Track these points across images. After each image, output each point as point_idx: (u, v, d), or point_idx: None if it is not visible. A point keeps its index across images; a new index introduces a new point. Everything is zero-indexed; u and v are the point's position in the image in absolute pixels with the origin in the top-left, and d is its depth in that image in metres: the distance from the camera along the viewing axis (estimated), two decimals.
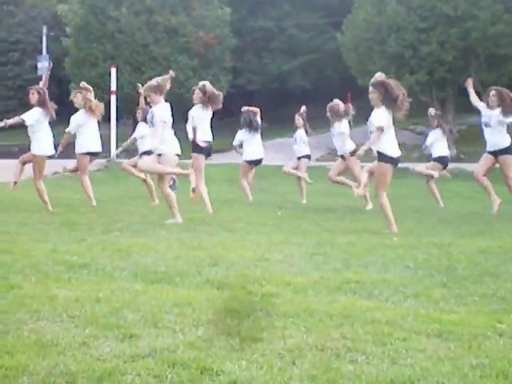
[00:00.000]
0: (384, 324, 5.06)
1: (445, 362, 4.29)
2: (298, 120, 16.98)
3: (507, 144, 13.46)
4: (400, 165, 11.10)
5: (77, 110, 14.38)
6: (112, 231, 10.06)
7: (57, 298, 5.66)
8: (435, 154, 16.30)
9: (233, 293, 6.03)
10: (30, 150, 13.14)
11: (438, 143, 16.27)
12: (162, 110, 11.22)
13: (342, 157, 15.26)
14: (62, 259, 7.47)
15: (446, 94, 37.88)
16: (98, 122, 14.68)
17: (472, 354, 4.43)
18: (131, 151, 20.45)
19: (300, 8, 51.43)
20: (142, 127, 15.40)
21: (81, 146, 14.33)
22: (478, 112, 14.52)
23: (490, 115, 13.48)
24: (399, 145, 10.77)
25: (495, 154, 13.54)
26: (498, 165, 13.72)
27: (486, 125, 13.61)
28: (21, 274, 6.66)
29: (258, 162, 16.82)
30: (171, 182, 15.64)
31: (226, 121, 50.39)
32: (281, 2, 50.98)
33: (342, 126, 15.09)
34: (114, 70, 31.51)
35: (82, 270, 6.92)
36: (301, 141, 16.74)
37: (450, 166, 17.44)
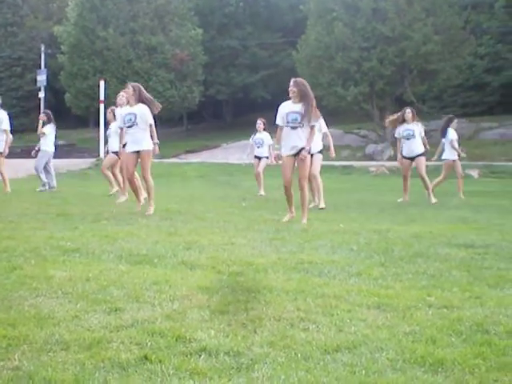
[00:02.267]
0: (332, 298, 5.07)
1: (382, 329, 4.31)
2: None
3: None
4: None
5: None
6: (100, 220, 9.99)
7: (53, 278, 5.62)
8: None
9: (204, 272, 6.02)
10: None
11: None
12: None
13: None
14: (58, 244, 7.41)
15: (384, 103, 38.16)
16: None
17: (405, 323, 4.46)
18: None
19: (261, 29, 51.73)
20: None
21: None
22: None
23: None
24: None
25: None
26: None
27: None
28: (22, 257, 6.60)
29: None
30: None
31: (200, 125, 50.44)
32: (244, 24, 51.26)
33: None
34: (102, 83, 31.36)
35: (74, 254, 6.87)
36: None
37: (390, 164, 17.47)
